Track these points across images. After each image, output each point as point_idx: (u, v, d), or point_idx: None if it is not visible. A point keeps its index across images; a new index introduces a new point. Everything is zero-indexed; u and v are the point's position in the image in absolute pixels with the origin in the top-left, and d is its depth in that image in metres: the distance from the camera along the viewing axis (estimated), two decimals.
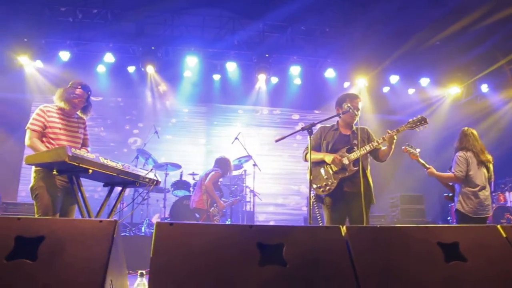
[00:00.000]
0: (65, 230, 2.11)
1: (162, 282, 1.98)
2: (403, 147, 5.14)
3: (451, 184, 5.27)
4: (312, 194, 4.21)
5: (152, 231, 7.70)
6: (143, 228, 7.96)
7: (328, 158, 4.41)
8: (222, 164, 7.81)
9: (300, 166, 10.77)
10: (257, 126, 11.45)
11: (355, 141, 4.44)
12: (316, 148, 4.62)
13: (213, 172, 7.64)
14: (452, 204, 8.60)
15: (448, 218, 8.96)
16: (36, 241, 2.06)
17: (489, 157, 5.18)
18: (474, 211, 4.89)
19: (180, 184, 8.57)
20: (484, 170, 5.09)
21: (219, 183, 8.01)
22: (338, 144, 4.51)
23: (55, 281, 1.92)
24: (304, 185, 10.99)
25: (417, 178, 10.36)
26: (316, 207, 4.37)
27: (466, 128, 5.32)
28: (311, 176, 4.07)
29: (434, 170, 5.13)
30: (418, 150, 5.08)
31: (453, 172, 5.00)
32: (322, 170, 4.48)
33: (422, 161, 5.09)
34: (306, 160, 4.49)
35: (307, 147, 4.46)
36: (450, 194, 5.34)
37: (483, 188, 4.98)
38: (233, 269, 2.08)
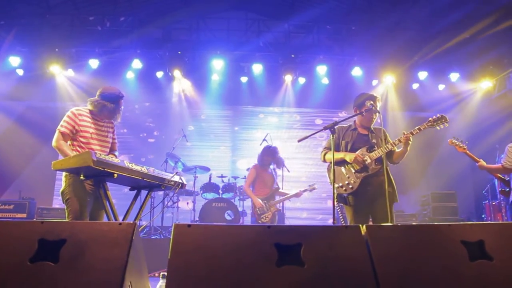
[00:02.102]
0: (86, 233, 2.16)
1: (179, 283, 2.00)
2: (448, 140, 5.05)
3: (507, 179, 5.17)
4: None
5: None
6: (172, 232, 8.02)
7: (349, 157, 4.39)
8: (259, 156, 7.49)
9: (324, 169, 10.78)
10: (284, 128, 11.43)
11: (374, 140, 4.42)
12: (335, 148, 4.58)
13: (248, 172, 7.57)
14: (486, 201, 8.41)
15: (483, 216, 8.72)
16: (58, 244, 2.11)
17: None
18: None
19: (209, 186, 8.64)
20: None
21: (271, 174, 7.60)
22: (357, 144, 4.50)
23: (76, 283, 1.97)
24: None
25: (449, 175, 10.14)
26: (338, 208, 4.34)
27: None
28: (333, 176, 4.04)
29: (484, 163, 5.06)
30: (466, 142, 4.98)
31: (501, 163, 4.93)
32: (343, 169, 4.46)
33: (471, 154, 5.00)
34: (325, 160, 4.51)
35: (326, 147, 4.47)
36: (507, 189, 5.20)
37: None
38: (250, 270, 2.08)
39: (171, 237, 2.14)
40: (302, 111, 11.54)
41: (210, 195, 8.61)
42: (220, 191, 8.63)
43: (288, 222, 9.52)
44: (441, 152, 10.33)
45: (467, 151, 4.94)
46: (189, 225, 2.20)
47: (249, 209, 9.42)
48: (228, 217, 8.02)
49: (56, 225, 2.21)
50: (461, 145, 4.88)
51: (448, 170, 10.29)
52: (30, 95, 10.06)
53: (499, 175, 5.27)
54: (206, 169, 8.91)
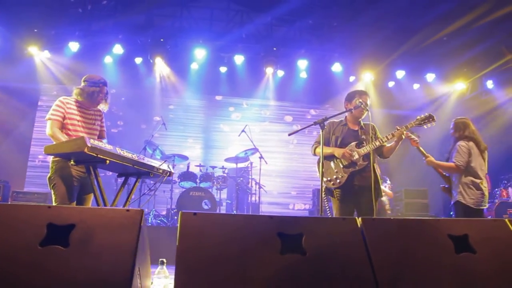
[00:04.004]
0: (94, 218, 2.20)
1: (187, 268, 2.08)
2: (405, 132, 5.09)
3: (447, 175, 5.21)
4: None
5: (159, 221, 7.78)
6: (149, 219, 8.08)
7: (338, 152, 4.54)
8: None
9: (297, 164, 11.10)
10: (259, 121, 11.58)
11: (364, 136, 4.57)
12: (325, 142, 4.71)
13: None
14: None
15: (451, 213, 9.05)
16: (67, 229, 2.15)
17: (485, 145, 5.11)
18: (476, 202, 4.84)
19: (187, 175, 8.69)
20: (483, 161, 5.02)
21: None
22: (347, 139, 4.64)
23: (87, 267, 2.02)
24: (303, 181, 11.20)
25: (421, 173, 10.46)
26: (325, 200, 4.49)
27: (462, 117, 5.25)
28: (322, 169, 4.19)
29: (433, 159, 5.06)
30: (418, 137, 5.01)
31: (454, 162, 4.92)
32: (332, 164, 4.61)
33: (422, 149, 4.99)
34: (315, 154, 4.64)
35: (317, 141, 4.60)
36: (447, 186, 5.25)
37: (482, 179, 4.94)
38: (255, 257, 2.18)
39: (178, 224, 2.21)
40: (275, 104, 11.70)
41: (188, 184, 8.65)
42: (198, 180, 8.68)
43: (261, 209, 9.70)
44: (414, 150, 10.63)
45: (419, 146, 4.92)
46: (194, 213, 2.28)
47: (224, 200, 9.54)
48: (205, 206, 8.09)
49: (63, 210, 2.25)
50: (415, 139, 4.77)
51: (420, 166, 10.60)
52: (3, 75, 9.78)
53: (442, 172, 5.28)
54: (185, 158, 8.95)
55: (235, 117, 11.52)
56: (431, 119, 4.48)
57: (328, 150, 4.59)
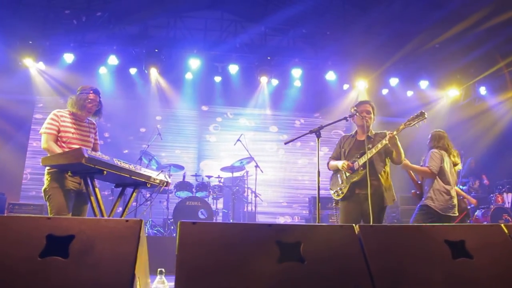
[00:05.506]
0: (94, 229, 2.21)
1: (187, 277, 2.09)
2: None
3: (419, 182, 5.32)
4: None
5: (155, 231, 7.76)
6: (146, 229, 8.05)
7: (340, 164, 4.70)
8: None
9: (286, 173, 11.23)
10: (253, 130, 11.57)
11: (370, 145, 4.59)
12: (337, 156, 4.92)
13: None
14: None
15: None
16: (67, 240, 2.16)
17: (458, 160, 5.27)
18: (444, 208, 4.92)
19: (183, 185, 8.68)
20: (454, 171, 5.17)
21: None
22: (352, 150, 4.78)
23: (87, 277, 2.03)
24: (294, 190, 11.27)
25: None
26: (334, 209, 4.61)
27: (439, 130, 5.37)
28: (331, 182, 4.40)
29: (409, 162, 5.11)
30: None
31: (427, 166, 5.02)
32: (339, 176, 4.80)
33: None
34: (329, 168, 4.90)
35: (331, 156, 4.90)
36: (418, 192, 5.36)
37: (452, 186, 5.06)
38: (254, 265, 2.19)
39: (177, 234, 2.22)
40: (276, 112, 11.68)
41: (184, 194, 8.65)
42: (194, 190, 8.67)
43: (257, 218, 9.70)
44: (409, 155, 10.69)
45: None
46: (194, 223, 2.29)
47: (221, 210, 9.52)
48: (201, 216, 8.08)
49: (63, 221, 2.26)
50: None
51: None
52: None
53: (414, 178, 5.38)
54: (181, 167, 8.94)
55: (226, 126, 11.50)
56: (421, 116, 4.33)
57: (335, 164, 4.82)
